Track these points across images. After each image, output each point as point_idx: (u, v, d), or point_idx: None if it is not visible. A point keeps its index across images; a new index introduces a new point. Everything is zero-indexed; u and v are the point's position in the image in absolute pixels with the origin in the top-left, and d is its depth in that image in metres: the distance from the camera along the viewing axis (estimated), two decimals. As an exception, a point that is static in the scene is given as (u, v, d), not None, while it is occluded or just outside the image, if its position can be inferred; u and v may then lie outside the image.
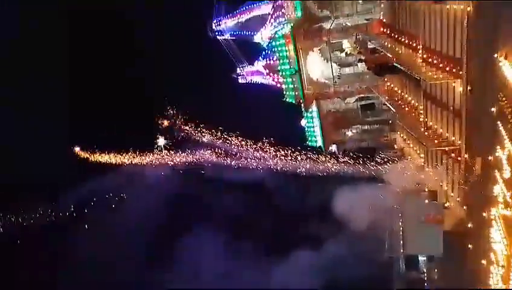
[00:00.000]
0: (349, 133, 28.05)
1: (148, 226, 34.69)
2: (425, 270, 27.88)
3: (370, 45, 23.07)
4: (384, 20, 22.16)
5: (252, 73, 31.35)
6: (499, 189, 13.09)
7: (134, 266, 35.40)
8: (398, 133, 24.81)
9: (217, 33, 32.72)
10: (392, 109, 23.43)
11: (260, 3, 29.47)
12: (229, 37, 32.52)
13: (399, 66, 20.29)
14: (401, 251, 22.79)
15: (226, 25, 32.00)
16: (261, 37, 29.33)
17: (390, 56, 21.18)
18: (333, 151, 27.90)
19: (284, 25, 25.77)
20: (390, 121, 25.82)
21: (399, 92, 23.12)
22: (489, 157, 13.91)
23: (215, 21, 32.26)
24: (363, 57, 23.35)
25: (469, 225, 18.63)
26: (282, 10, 25.43)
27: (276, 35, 25.70)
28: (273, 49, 26.32)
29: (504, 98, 11.81)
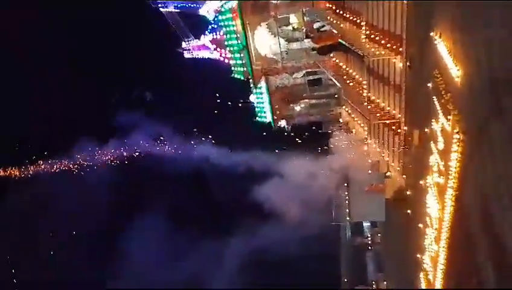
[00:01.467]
0: (297, 108, 28.59)
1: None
2: (369, 235, 30.05)
3: (316, 25, 23.40)
4: (329, -4, 22.45)
5: (199, 48, 30.55)
6: (433, 159, 14.16)
7: (75, 261, 34.48)
8: (344, 107, 25.73)
9: (160, 5, 31.26)
10: (337, 83, 24.15)
11: (205, -25, 28.48)
12: (173, 10, 31.24)
13: (344, 42, 20.82)
14: (347, 218, 24.18)
15: (169, -4, 30.66)
16: (207, 10, 28.49)
17: (335, 32, 21.64)
18: (282, 126, 28.41)
19: (230, -2, 25.22)
20: (336, 96, 26.65)
21: (344, 67, 23.82)
22: (426, 130, 14.91)
23: (157, -8, 30.75)
24: (310, 34, 23.65)
25: (408, 193, 20.09)
26: (229, -17, 24.81)
27: (223, 9, 25.12)
28: (219, 24, 25.76)
29: (439, 75, 12.58)
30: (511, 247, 8.39)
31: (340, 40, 21.02)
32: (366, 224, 30.05)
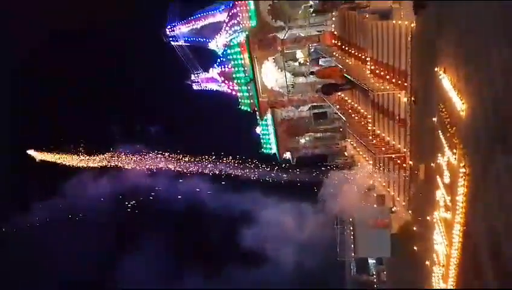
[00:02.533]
0: (302, 141, 28.77)
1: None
2: (374, 273, 29.21)
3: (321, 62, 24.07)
4: (336, 33, 23.11)
5: (207, 80, 31.30)
6: (440, 193, 14.00)
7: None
8: (349, 140, 25.83)
9: (171, 39, 32.39)
10: (342, 117, 24.36)
11: (215, 11, 29.62)
12: (184, 43, 32.32)
13: (348, 76, 21.22)
14: (352, 254, 23.64)
15: (180, 31, 31.79)
16: (216, 44, 29.41)
17: (341, 67, 22.11)
18: (287, 158, 28.47)
19: (239, 33, 26.05)
20: (341, 129, 26.83)
21: (349, 101, 24.12)
22: (432, 164, 14.85)
23: (169, 27, 31.94)
24: (314, 69, 24.27)
25: (414, 228, 19.71)
26: (238, 19, 25.68)
27: (232, 43, 25.88)
28: (228, 57, 26.46)
29: (443, 109, 12.70)
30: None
31: (345, 74, 21.41)
32: (371, 261, 29.27)
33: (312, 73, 24.84)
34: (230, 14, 26.64)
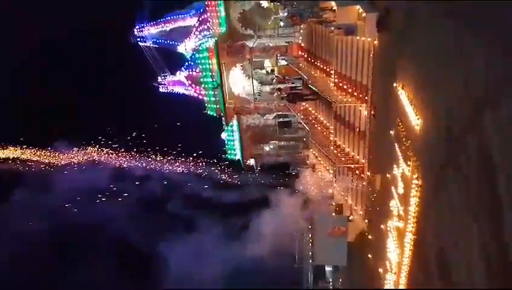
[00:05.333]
0: (266, 148, 29.12)
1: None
2: (331, 280, 29.89)
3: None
4: (303, 45, 23.76)
5: (174, 83, 31.01)
6: (394, 203, 14.68)
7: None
8: (311, 150, 26.46)
9: (138, 39, 31.88)
10: (306, 127, 24.97)
11: (185, 15, 29.54)
12: (152, 45, 31.90)
13: (313, 88, 21.85)
14: (310, 261, 24.10)
15: (149, 32, 31.38)
16: (185, 47, 29.28)
17: (306, 78, 22.73)
18: (251, 165, 28.68)
19: (208, 38, 26.12)
20: (304, 139, 27.45)
21: (313, 112, 24.80)
22: (388, 175, 15.56)
23: (137, 27, 31.44)
24: (281, 86, 24.87)
25: (369, 237, 20.45)
26: (208, 24, 25.78)
27: (200, 48, 25.89)
28: (196, 61, 26.42)
29: (400, 123, 13.41)
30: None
31: (309, 85, 22.03)
32: (328, 268, 29.92)
33: (279, 90, 25.36)
34: (200, 18, 26.69)
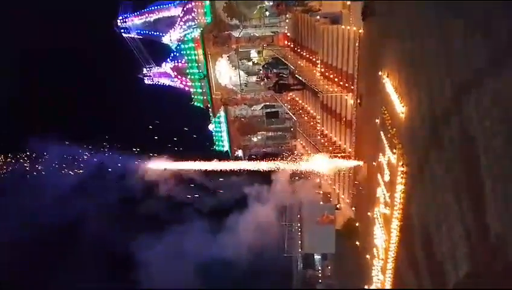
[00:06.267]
0: (254, 139, 29.16)
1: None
2: (320, 268, 30.34)
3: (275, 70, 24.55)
4: (289, 35, 23.69)
5: (160, 74, 30.68)
6: (380, 191, 14.90)
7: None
8: (298, 140, 26.58)
9: (122, 30, 31.37)
10: (293, 117, 25.04)
11: (169, 5, 29.11)
12: (136, 36, 31.44)
13: (299, 77, 21.88)
14: (299, 250, 24.37)
15: (133, 23, 30.88)
16: (170, 38, 28.93)
17: (292, 68, 22.74)
18: (239, 156, 28.69)
19: (193, 29, 25.84)
20: (291, 129, 27.54)
21: (300, 102, 24.85)
22: (374, 163, 15.76)
23: (121, 18, 30.91)
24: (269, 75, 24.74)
25: (357, 224, 20.75)
26: (193, 14, 25.47)
27: (186, 39, 25.62)
28: (182, 52, 26.16)
29: (386, 111, 13.55)
30: (450, 270, 8.92)
31: (296, 74, 22.04)
32: (317, 256, 30.35)
33: (267, 78, 25.15)
34: (185, 9, 26.35)
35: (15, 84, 39.06)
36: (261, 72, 25.17)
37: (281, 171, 22.98)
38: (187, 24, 26.51)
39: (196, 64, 25.23)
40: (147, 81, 31.32)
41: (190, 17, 25.88)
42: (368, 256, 17.55)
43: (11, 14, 38.49)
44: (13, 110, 37.85)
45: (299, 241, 23.92)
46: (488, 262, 7.11)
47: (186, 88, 27.43)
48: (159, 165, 22.38)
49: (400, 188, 12.52)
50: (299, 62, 22.56)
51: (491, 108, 6.69)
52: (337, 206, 22.20)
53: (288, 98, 25.37)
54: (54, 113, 37.61)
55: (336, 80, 19.12)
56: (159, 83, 30.82)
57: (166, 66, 28.75)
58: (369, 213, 16.88)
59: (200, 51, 24.42)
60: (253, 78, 26.20)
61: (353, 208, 21.24)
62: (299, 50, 22.56)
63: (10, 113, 37.61)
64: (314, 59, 20.90)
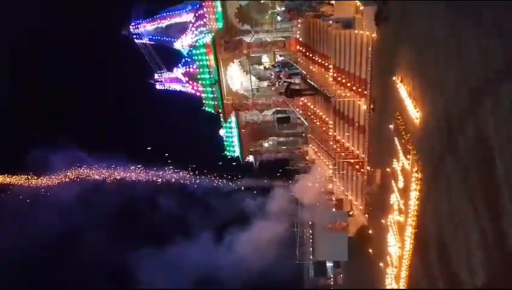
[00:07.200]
0: (265, 145, 29.05)
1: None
2: (332, 276, 29.89)
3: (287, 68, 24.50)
4: (301, 39, 23.60)
5: (171, 80, 30.89)
6: (394, 197, 14.61)
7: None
8: (310, 145, 26.37)
9: (134, 36, 31.73)
10: (305, 122, 24.86)
11: (181, 11, 29.35)
12: (148, 41, 31.76)
13: (312, 82, 21.72)
14: (311, 257, 24.08)
15: (144, 29, 31.21)
16: (182, 44, 29.12)
17: (305, 73, 22.61)
18: (250, 161, 28.61)
19: (205, 34, 25.95)
20: (303, 134, 27.35)
21: (312, 107, 24.67)
22: (387, 169, 15.47)
23: (133, 24, 31.28)
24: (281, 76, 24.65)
25: (370, 231, 20.39)
26: (204, 20, 25.59)
27: (197, 44, 25.74)
28: (193, 57, 26.28)
29: (399, 117, 13.30)
30: (466, 279, 8.66)
31: (308, 80, 21.90)
32: (329, 264, 29.92)
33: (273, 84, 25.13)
34: (196, 14, 26.49)
35: (15, 87, 39.60)
36: (273, 75, 25.09)
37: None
38: (199, 30, 26.65)
39: (208, 70, 25.30)
40: (158, 86, 31.56)
41: (202, 22, 26.01)
42: (381, 264, 17.20)
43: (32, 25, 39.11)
44: (24, 115, 38.44)
45: (311, 249, 23.65)
46: (504, 271, 6.87)
47: (198, 93, 27.51)
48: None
49: (414, 194, 12.24)
50: (311, 67, 22.42)
51: (508, 113, 6.49)
52: (350, 213, 21.88)
53: (300, 103, 25.21)
54: (63, 120, 38.09)
55: (349, 84, 18.89)
56: (170, 89, 31.02)
57: (178, 72, 28.92)
58: (382, 220, 16.56)
59: (212, 57, 24.48)
60: (265, 83, 26.15)
61: (366, 215, 20.90)
62: (311, 55, 22.42)
63: (22, 119, 38.17)
64: (326, 64, 20.73)
